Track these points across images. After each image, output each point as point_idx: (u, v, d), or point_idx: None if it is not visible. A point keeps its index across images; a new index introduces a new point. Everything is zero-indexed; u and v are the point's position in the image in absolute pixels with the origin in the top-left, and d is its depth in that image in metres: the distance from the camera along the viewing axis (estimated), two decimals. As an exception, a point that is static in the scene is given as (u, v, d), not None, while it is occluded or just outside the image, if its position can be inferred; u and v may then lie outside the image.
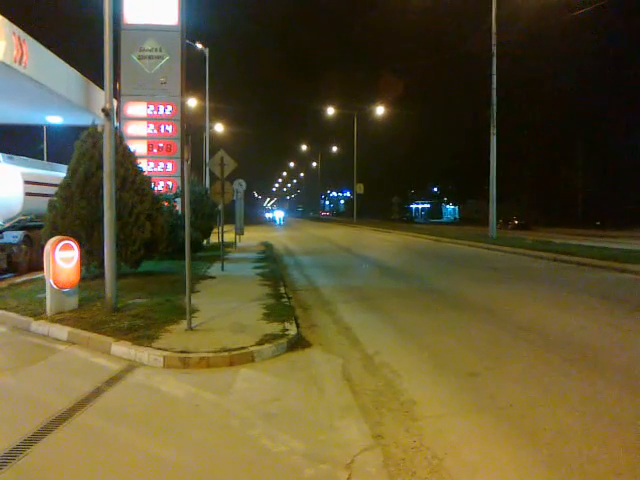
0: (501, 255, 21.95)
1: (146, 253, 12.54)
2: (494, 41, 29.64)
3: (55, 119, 20.99)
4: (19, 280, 13.10)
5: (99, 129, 11.75)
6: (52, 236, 9.39)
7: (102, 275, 9.47)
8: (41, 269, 9.12)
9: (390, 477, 3.90)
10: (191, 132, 28.65)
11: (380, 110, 59.74)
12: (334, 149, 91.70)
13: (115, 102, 15.82)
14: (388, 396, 5.53)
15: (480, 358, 6.90)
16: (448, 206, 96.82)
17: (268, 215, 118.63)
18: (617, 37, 46.50)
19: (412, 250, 26.54)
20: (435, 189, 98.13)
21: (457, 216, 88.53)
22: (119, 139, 12.27)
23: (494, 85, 29.73)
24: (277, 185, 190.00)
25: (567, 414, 5.03)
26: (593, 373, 6.24)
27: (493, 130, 29.56)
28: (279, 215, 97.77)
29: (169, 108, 18.83)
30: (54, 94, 16.32)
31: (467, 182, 70.35)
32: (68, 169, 12.22)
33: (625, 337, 7.97)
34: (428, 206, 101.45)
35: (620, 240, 28.93)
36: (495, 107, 29.65)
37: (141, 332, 7.54)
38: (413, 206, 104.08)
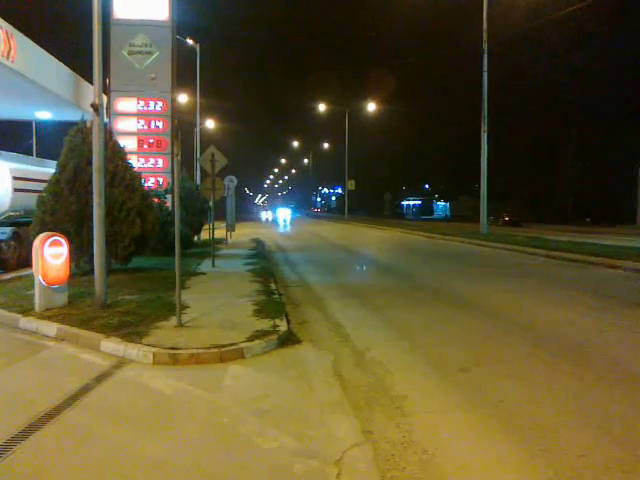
0: (492, 251, 22.00)
1: (136, 249, 12.46)
2: (485, 38, 29.71)
3: (44, 114, 20.87)
4: (8, 277, 13.00)
5: (88, 124, 11.66)
6: (41, 232, 9.32)
7: (92, 271, 9.41)
8: (30, 266, 9.06)
9: (380, 473, 3.89)
10: (182, 128, 28.51)
11: (372, 107, 59.97)
12: (326, 146, 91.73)
13: (105, 98, 15.75)
14: (379, 392, 5.53)
15: (471, 354, 6.90)
16: (439, 203, 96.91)
17: (265, 215, 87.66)
18: (608, 37, 46.58)
19: (403, 246, 26.60)
20: (427, 186, 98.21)
21: (448, 213, 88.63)
22: (109, 135, 12.18)
23: (485, 82, 29.80)
24: (268, 181, 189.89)
25: (557, 410, 5.05)
26: (583, 369, 6.25)
27: (484, 127, 29.64)
28: (283, 214, 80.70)
29: (159, 104, 18.71)
30: (43, 89, 16.22)
31: (458, 179, 70.46)
32: (57, 165, 12.13)
33: (615, 333, 8.00)
34: (419, 203, 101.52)
35: (610, 236, 29.09)
36: (486, 104, 29.73)
37: (131, 328, 7.49)
38: (404, 203, 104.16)
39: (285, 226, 56.13)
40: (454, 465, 4.02)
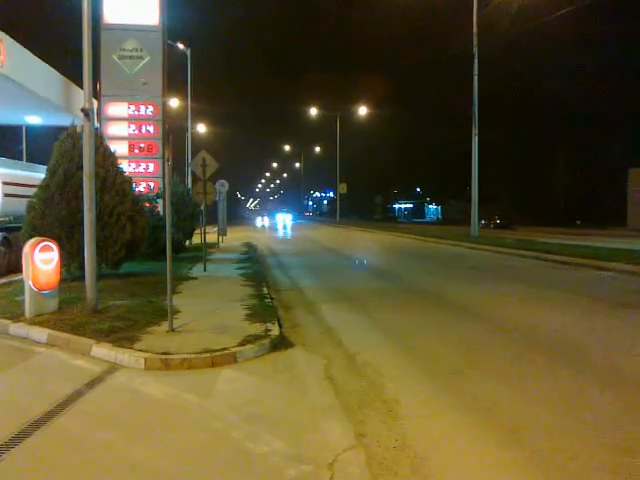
0: (483, 254, 22.09)
1: (127, 254, 12.41)
2: (475, 42, 29.87)
3: (34, 119, 20.75)
4: (-2, 282, 12.90)
5: (78, 129, 11.61)
6: (31, 237, 9.26)
7: (82, 277, 9.36)
8: (20, 271, 8.99)
9: (373, 477, 3.89)
10: (173, 132, 28.48)
11: (363, 111, 60.16)
12: (317, 150, 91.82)
13: (95, 102, 15.71)
14: (371, 395, 5.53)
15: (463, 357, 6.92)
16: (431, 206, 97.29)
17: (262, 221, 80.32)
18: (601, 38, 46.93)
19: (395, 250, 26.64)
20: (418, 189, 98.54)
21: (440, 216, 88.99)
22: (99, 140, 12.11)
23: (476, 86, 29.94)
24: (260, 186, 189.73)
25: (549, 412, 5.07)
26: (575, 371, 6.29)
27: (475, 130, 29.78)
28: (283, 220, 75.84)
29: (150, 108, 18.66)
30: (33, 94, 16.13)
31: (450, 182, 70.75)
32: (47, 170, 12.06)
33: (606, 334, 8.06)
34: (411, 206, 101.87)
35: (600, 238, 29.23)
36: (477, 108, 29.86)
37: (122, 334, 7.46)
38: (396, 206, 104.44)
39: (285, 232, 51.68)
40: (446, 468, 4.02)
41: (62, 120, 17.38)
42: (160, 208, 17.22)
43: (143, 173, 18.59)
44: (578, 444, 4.37)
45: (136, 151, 18.62)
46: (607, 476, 3.88)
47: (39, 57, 16.62)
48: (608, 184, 49.95)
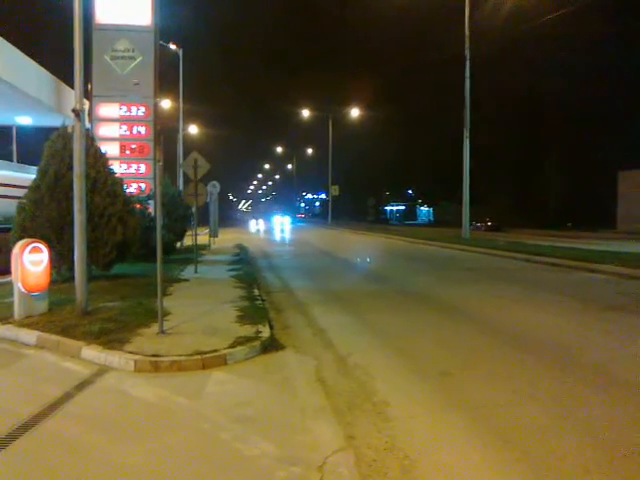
0: (475, 256, 22.16)
1: (118, 256, 12.36)
2: (467, 44, 29.98)
3: (25, 120, 20.69)
4: (-13, 284, 12.81)
5: (69, 130, 11.56)
6: (21, 239, 9.22)
7: (73, 278, 9.31)
8: (10, 273, 8.94)
9: (362, 478, 3.89)
10: (165, 133, 28.41)
11: (356, 112, 60.28)
12: (310, 151, 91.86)
13: (86, 103, 15.65)
14: (361, 397, 5.53)
15: (454, 359, 6.93)
16: (422, 208, 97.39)
17: (256, 224, 75.49)
18: (595, 40, 47.02)
19: (387, 252, 26.67)
20: (410, 191, 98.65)
21: (431, 218, 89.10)
22: (90, 140, 12.07)
23: (467, 88, 30.04)
24: (252, 187, 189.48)
25: (539, 413, 5.08)
26: (565, 372, 6.30)
27: (467, 133, 29.87)
28: (281, 222, 74.10)
29: (142, 109, 18.60)
30: (23, 94, 16.08)
31: (442, 184, 70.85)
32: (38, 171, 12.00)
33: (596, 336, 8.09)
34: (403, 208, 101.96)
35: (591, 241, 29.39)
36: (469, 110, 29.96)
37: (112, 336, 7.43)
38: (388, 208, 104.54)
39: (276, 234, 49.65)
40: (436, 470, 4.03)
41: (53, 120, 17.36)
42: (151, 209, 17.17)
43: (134, 174, 18.50)
44: (569, 445, 4.38)
45: (127, 152, 18.54)
46: (599, 477, 3.89)
47: (30, 57, 16.56)
48: (599, 186, 50.18)
